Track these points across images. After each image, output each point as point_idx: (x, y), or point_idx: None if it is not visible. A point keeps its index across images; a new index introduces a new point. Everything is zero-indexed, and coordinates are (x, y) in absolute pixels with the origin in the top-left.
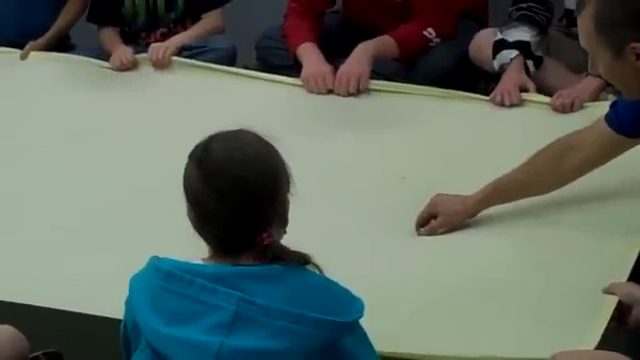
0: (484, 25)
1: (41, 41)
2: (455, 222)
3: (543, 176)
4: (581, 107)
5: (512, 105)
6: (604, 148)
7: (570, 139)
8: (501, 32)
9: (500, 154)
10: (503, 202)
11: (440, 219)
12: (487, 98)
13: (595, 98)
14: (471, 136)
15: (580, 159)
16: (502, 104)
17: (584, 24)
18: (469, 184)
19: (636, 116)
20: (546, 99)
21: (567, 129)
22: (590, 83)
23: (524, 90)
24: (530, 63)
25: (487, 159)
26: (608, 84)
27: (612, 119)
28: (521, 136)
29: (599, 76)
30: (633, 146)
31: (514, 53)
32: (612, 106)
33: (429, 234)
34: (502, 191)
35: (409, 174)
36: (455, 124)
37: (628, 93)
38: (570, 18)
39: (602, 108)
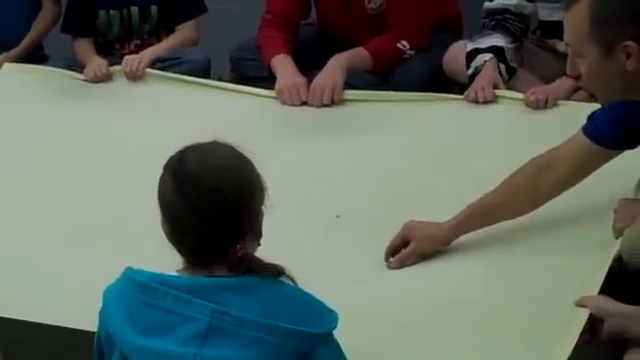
0: (458, 37)
1: (14, 52)
2: (427, 249)
3: (521, 196)
4: (555, 104)
5: (486, 102)
6: (583, 161)
7: (546, 157)
8: (473, 41)
9: (476, 152)
10: (480, 227)
11: (412, 245)
12: (461, 97)
13: (568, 97)
14: (447, 136)
15: (559, 175)
16: (476, 101)
17: (576, 17)
18: (448, 185)
19: (613, 124)
20: (519, 95)
21: (541, 125)
22: (564, 82)
23: (497, 88)
24: (502, 67)
25: (464, 157)
26: (580, 87)
27: (590, 130)
28: (496, 132)
29: (575, 78)
30: (611, 158)
31: (488, 56)
32: (589, 118)
33: (399, 265)
34: (476, 216)
35: (388, 181)
36: (430, 125)
37: (605, 96)
38: (544, 30)
39: (575, 107)
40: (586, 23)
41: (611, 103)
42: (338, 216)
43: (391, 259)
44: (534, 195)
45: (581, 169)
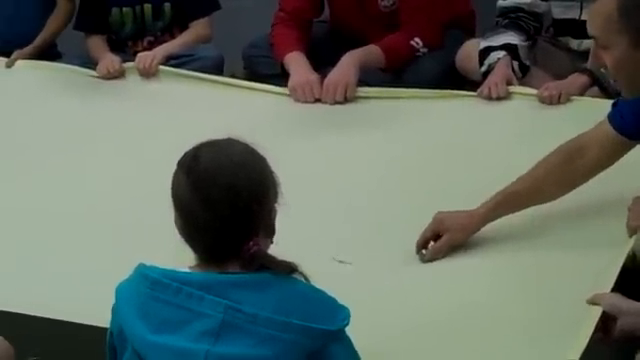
0: (471, 35)
1: (28, 50)
2: (461, 238)
3: (552, 182)
4: (568, 100)
5: (499, 98)
6: (610, 148)
7: (575, 142)
8: (486, 39)
9: (490, 148)
10: (509, 213)
11: (447, 236)
12: (474, 94)
13: (582, 93)
14: (460, 132)
15: (588, 161)
16: (489, 97)
17: (604, 8)
18: (462, 180)
19: (637, 116)
20: (533, 91)
21: (554, 121)
22: (577, 78)
23: (510, 85)
24: (516, 65)
25: (478, 153)
26: (593, 83)
27: (616, 119)
28: (509, 128)
29: (588, 74)
30: (633, 147)
31: (502, 53)
32: (614, 106)
33: (434, 257)
34: (507, 202)
35: (402, 178)
36: (444, 122)
37: (632, 88)
38: (558, 28)
39: (589, 103)
40: (615, 13)
41: (636, 97)
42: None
43: (423, 251)
44: (565, 181)
45: (608, 156)
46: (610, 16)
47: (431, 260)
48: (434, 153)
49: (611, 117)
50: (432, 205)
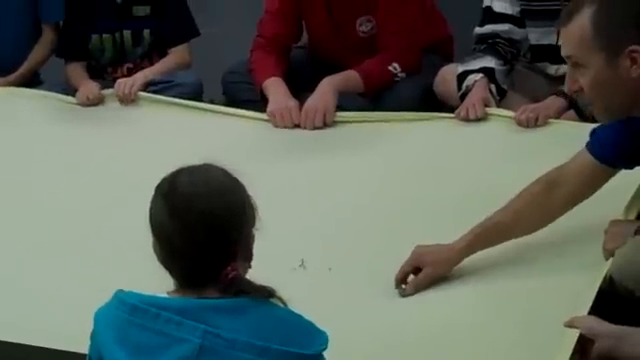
0: (449, 60)
1: (11, 77)
2: (442, 272)
3: (529, 216)
4: (545, 123)
5: (477, 119)
6: (590, 177)
7: (554, 174)
8: (463, 64)
9: (468, 170)
10: (488, 246)
11: (428, 270)
12: (452, 115)
13: (558, 117)
14: (438, 154)
15: (566, 193)
16: (467, 119)
17: (577, 28)
18: (440, 202)
19: (616, 143)
20: (510, 113)
21: (531, 144)
22: (554, 101)
23: (487, 106)
24: (493, 87)
25: (456, 175)
26: (570, 106)
27: (594, 148)
28: (487, 150)
29: (565, 97)
30: (615, 174)
31: (479, 76)
32: (592, 135)
33: (414, 291)
34: (487, 235)
35: (380, 200)
36: (422, 144)
37: (608, 110)
38: (535, 53)
39: (566, 126)
40: (589, 31)
41: (612, 121)
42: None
43: (403, 286)
44: (545, 212)
45: (588, 185)
46: (585, 35)
47: (411, 294)
48: (413, 175)
49: (590, 145)
50: (412, 227)
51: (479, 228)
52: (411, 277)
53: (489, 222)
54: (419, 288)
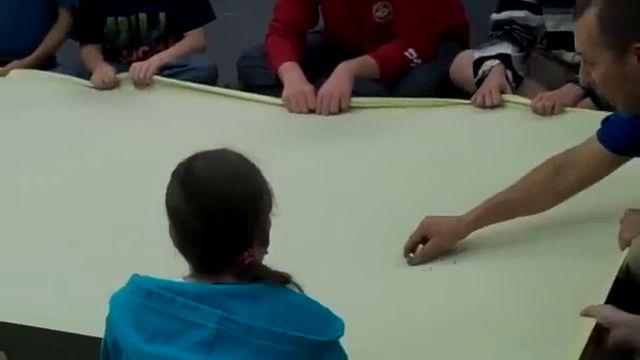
0: (465, 47)
1: (27, 60)
2: (449, 243)
3: (537, 195)
4: (561, 111)
5: (493, 106)
6: (597, 165)
7: (563, 157)
8: (480, 50)
9: (483, 156)
10: (496, 222)
11: (435, 240)
12: (468, 102)
13: (575, 105)
14: (454, 140)
15: (574, 177)
16: (483, 105)
17: (586, 24)
18: (456, 188)
19: (632, 136)
20: (527, 101)
21: (547, 131)
22: (571, 89)
23: (504, 93)
24: (510, 74)
25: (471, 162)
26: (587, 94)
27: (605, 137)
28: (503, 137)
29: (581, 85)
30: (625, 162)
31: (495, 62)
32: (603, 123)
33: (421, 261)
34: (496, 211)
35: (395, 186)
36: (438, 131)
37: (625, 104)
38: (551, 40)
39: (582, 115)
40: (596, 28)
41: (633, 114)
42: None
43: (411, 255)
44: (553, 193)
45: (596, 172)
46: (592, 32)
47: (419, 263)
48: (428, 162)
49: (600, 133)
50: (425, 213)
51: (489, 203)
52: (420, 247)
53: (499, 198)
54: (426, 258)
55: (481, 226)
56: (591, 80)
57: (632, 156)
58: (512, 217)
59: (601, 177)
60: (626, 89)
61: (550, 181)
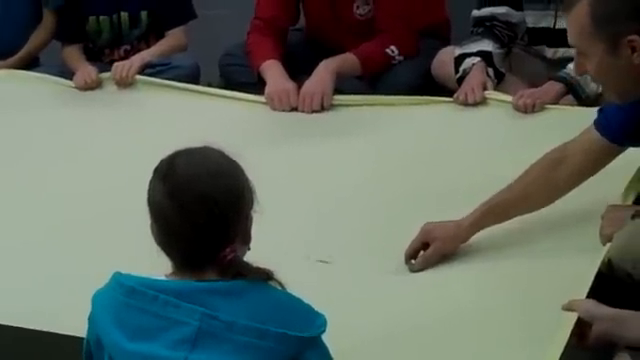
0: (446, 43)
1: (10, 61)
2: (451, 248)
3: (536, 192)
4: (543, 108)
5: (475, 104)
6: (594, 154)
7: (559, 152)
8: (461, 47)
9: (466, 154)
10: (495, 223)
11: (436, 245)
12: (450, 99)
13: (556, 102)
14: (437, 138)
15: (572, 169)
16: (466, 102)
17: (578, 18)
18: (439, 186)
19: (623, 122)
20: (508, 98)
21: (530, 128)
22: (552, 87)
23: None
24: (491, 71)
25: (454, 160)
26: (568, 91)
27: (602, 125)
28: (485, 135)
29: (563, 82)
30: (622, 152)
31: (477, 59)
32: (600, 111)
33: (424, 266)
34: (494, 212)
35: (379, 184)
36: (421, 128)
37: (620, 94)
38: (532, 36)
39: (564, 111)
40: (588, 22)
41: (629, 102)
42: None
43: (412, 261)
44: (551, 188)
45: (594, 162)
46: (584, 26)
47: (421, 270)
48: (411, 159)
49: (597, 122)
50: (410, 211)
51: (486, 205)
52: (421, 253)
53: (496, 199)
54: (428, 263)
55: (481, 228)
56: (585, 71)
57: (627, 145)
58: (511, 217)
59: (601, 166)
60: (620, 79)
61: (548, 177)
